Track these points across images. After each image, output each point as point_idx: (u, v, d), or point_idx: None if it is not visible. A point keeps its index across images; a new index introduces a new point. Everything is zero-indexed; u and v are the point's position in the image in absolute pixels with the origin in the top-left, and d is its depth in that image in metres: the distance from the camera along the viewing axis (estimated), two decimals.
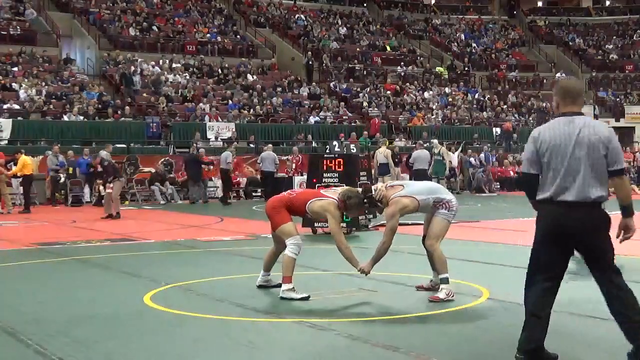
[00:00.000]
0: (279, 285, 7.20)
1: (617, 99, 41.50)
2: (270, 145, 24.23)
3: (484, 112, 36.33)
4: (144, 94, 29.24)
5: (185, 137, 26.57)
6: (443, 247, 7.23)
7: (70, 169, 21.89)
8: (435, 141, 25.03)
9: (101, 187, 19.37)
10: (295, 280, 7.09)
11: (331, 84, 35.41)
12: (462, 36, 46.09)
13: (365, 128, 30.38)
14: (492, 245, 10.78)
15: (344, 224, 12.86)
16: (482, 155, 27.95)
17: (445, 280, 6.90)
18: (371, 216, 13.94)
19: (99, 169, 18.58)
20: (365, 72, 37.64)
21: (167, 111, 28.11)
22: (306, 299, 6.86)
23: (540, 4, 54.15)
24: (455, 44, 44.76)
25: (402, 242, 12.09)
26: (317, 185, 13.13)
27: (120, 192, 17.87)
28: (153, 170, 23.37)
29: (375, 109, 32.84)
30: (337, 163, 13.22)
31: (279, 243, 7.42)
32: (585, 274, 4.95)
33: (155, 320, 6.30)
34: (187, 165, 23.18)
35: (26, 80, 27.87)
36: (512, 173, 28.77)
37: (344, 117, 31.73)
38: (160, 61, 32.30)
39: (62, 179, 21.63)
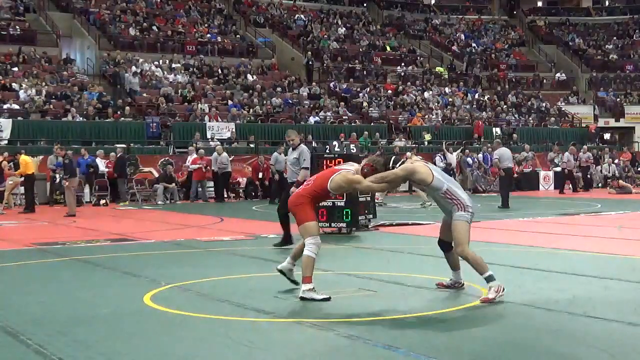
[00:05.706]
0: (296, 283, 7.18)
1: (617, 99, 41.51)
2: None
3: (484, 112, 36.33)
4: (144, 94, 29.25)
5: (185, 137, 26.57)
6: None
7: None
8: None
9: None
10: None
11: (331, 84, 35.41)
12: (462, 36, 46.08)
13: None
14: (492, 245, 10.77)
15: (344, 224, 12.89)
16: (481, 155, 27.92)
17: (491, 278, 6.80)
18: (371, 216, 13.96)
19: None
20: (365, 72, 37.64)
21: (167, 111, 28.12)
22: (327, 299, 6.73)
23: (540, 4, 54.12)
24: (455, 44, 44.76)
25: (403, 242, 12.13)
26: None
27: (118, 192, 18.05)
28: (153, 171, 23.44)
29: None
30: (337, 163, 13.18)
31: None
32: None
33: (155, 320, 6.30)
34: None
35: (26, 80, 27.87)
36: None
37: (344, 117, 31.73)
38: (160, 61, 32.31)
39: (58, 179, 21.63)
